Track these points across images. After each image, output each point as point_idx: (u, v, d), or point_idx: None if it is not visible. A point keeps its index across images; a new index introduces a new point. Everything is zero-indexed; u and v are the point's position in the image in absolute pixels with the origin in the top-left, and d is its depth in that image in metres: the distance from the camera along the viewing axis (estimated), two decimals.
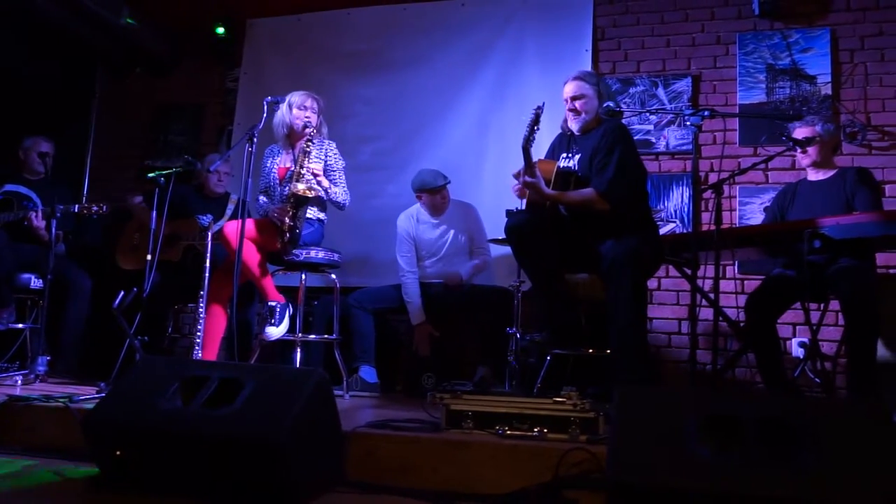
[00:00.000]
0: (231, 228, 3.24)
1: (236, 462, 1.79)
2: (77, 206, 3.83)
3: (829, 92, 4.14)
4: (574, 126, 3.09)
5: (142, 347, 3.14)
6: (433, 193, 3.99)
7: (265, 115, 3.22)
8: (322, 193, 3.47)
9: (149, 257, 3.31)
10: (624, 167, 2.89)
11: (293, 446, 1.75)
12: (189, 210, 4.07)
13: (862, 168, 3.30)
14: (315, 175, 3.41)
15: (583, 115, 3.06)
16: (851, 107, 4.11)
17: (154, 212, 3.42)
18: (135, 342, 3.12)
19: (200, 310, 3.27)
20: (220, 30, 5.20)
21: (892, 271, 3.86)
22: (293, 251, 3.41)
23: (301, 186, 3.32)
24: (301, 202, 3.36)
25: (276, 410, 1.80)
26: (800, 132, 3.31)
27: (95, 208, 3.84)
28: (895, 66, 4.09)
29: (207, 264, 3.27)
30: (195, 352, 3.23)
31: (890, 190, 3.97)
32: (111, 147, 5.48)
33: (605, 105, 2.98)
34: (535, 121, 2.93)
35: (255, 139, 3.06)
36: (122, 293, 3.03)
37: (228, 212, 4.20)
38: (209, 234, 3.35)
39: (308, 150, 3.44)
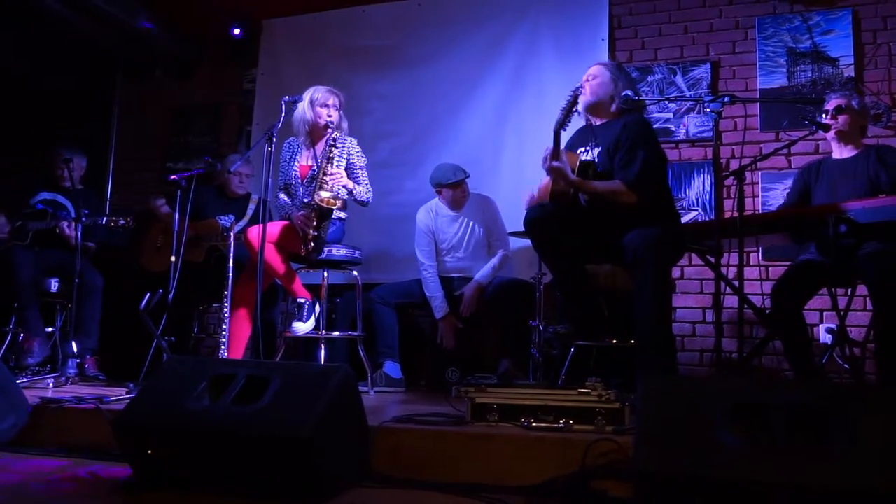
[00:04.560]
0: (254, 234, 3.24)
1: (264, 458, 1.81)
2: (105, 218, 3.88)
3: (852, 74, 4.07)
4: (580, 104, 3.05)
5: (169, 348, 3.18)
6: (453, 188, 4.00)
7: (283, 114, 3.23)
8: (346, 196, 3.47)
9: (173, 259, 3.35)
10: (650, 163, 2.84)
11: (320, 442, 1.77)
12: (210, 211, 4.11)
13: (886, 146, 3.23)
14: (339, 180, 3.39)
15: (590, 94, 3.02)
16: (875, 88, 4.04)
17: (177, 213, 3.46)
18: (162, 343, 3.16)
19: (225, 310, 3.30)
20: (237, 31, 5.24)
21: None
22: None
23: (325, 195, 3.27)
24: (326, 214, 3.32)
25: (302, 407, 1.82)
26: (833, 102, 3.26)
27: (122, 221, 3.88)
28: None
29: (231, 264, 3.30)
30: (221, 352, 3.27)
31: None
32: (132, 150, 5.56)
33: (623, 94, 2.95)
34: (573, 103, 2.90)
35: (274, 139, 3.07)
36: (149, 295, 3.07)
37: (250, 212, 4.23)
38: (231, 234, 3.38)
39: (332, 155, 3.40)
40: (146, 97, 5.57)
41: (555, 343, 3.43)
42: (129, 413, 1.98)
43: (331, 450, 1.83)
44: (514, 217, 3.84)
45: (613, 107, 3.02)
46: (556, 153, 2.88)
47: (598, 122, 3.07)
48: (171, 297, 3.26)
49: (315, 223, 3.32)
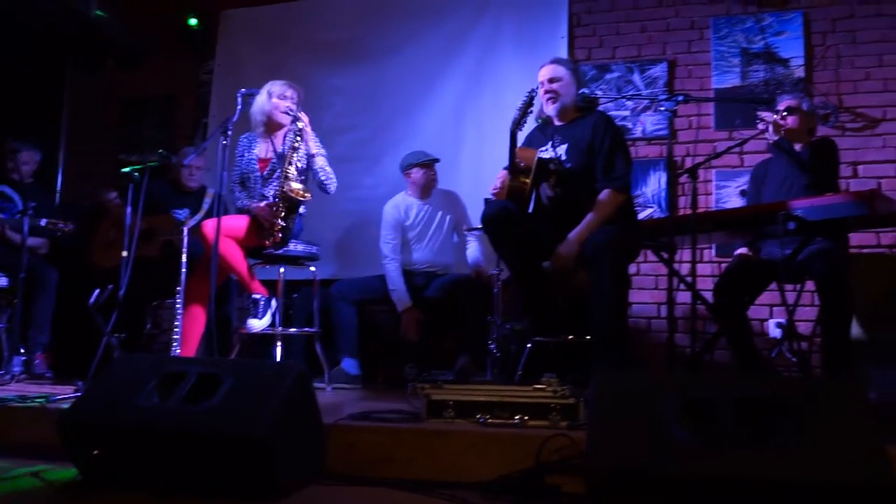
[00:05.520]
0: (209, 227, 3.19)
1: (216, 457, 1.78)
2: (45, 220, 3.79)
3: (803, 75, 4.17)
4: (551, 110, 3.07)
5: (119, 345, 3.11)
6: (424, 167, 3.98)
7: (240, 107, 3.18)
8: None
9: (125, 254, 3.27)
10: (628, 162, 2.95)
11: (274, 440, 1.74)
12: (165, 205, 4.03)
13: (821, 139, 3.30)
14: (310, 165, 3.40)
15: (560, 98, 3.05)
16: (824, 89, 4.14)
17: (129, 207, 3.38)
18: (112, 339, 3.08)
19: (178, 306, 3.23)
20: (194, 21, 5.13)
21: (864, 251, 3.90)
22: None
23: (297, 186, 3.29)
24: (295, 205, 3.33)
25: (255, 405, 1.79)
26: (784, 103, 3.33)
27: (61, 225, 3.79)
28: (867, 49, 4.12)
29: (184, 259, 3.24)
30: (173, 348, 3.20)
31: (863, 170, 4.02)
32: (84, 142, 5.40)
33: (580, 92, 2.98)
34: (528, 104, 2.92)
35: (229, 132, 3.02)
36: (98, 290, 3.00)
37: (205, 206, 4.15)
38: (186, 228, 3.31)
39: (297, 146, 3.40)
40: (98, 88, 5.41)
41: (512, 339, 3.45)
42: (75, 412, 1.93)
43: (285, 448, 1.81)
44: (473, 213, 3.86)
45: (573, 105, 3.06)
46: (512, 154, 2.89)
47: (559, 122, 3.09)
48: (121, 292, 3.17)
49: (283, 214, 3.30)
